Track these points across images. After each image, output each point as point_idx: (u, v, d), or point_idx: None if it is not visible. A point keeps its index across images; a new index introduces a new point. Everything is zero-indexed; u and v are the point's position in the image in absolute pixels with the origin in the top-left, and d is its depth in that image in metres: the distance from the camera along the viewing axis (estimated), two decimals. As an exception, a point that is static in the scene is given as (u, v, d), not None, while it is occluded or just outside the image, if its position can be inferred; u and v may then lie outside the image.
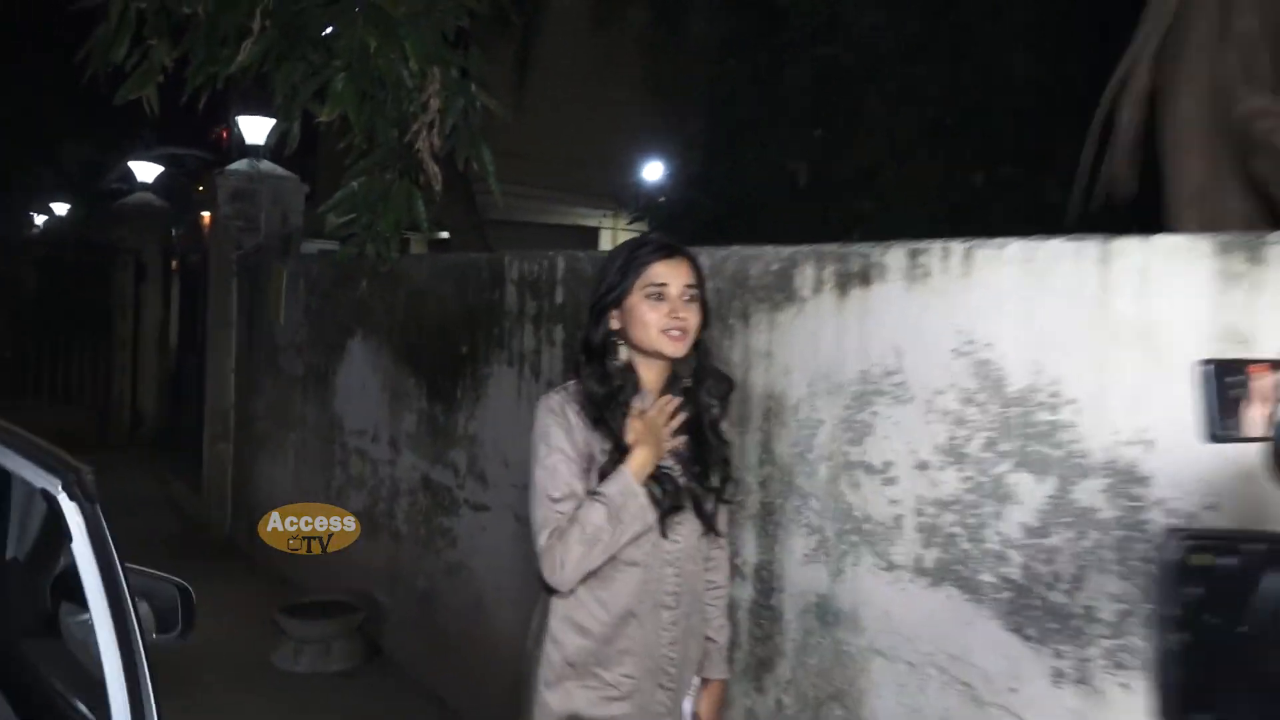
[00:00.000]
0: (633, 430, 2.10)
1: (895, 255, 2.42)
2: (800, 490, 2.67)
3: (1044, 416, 2.12)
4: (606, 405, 2.12)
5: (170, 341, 11.51)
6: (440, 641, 4.62)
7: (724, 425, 2.31)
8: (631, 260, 2.15)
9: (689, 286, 2.15)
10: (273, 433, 6.67)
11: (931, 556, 2.34)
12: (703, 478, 2.21)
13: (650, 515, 2.06)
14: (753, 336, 2.82)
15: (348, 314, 5.60)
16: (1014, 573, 2.18)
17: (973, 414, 2.24)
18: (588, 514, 2.01)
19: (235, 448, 7.46)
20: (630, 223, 8.39)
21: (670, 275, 2.13)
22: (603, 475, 2.09)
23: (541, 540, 2.03)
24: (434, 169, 3.54)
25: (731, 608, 2.67)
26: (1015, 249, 2.17)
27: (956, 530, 2.28)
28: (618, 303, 2.15)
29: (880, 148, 6.39)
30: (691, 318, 2.14)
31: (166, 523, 7.69)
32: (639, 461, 2.07)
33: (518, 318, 4.02)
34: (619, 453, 2.09)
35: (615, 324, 2.17)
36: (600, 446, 2.11)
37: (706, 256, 2.93)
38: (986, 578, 2.23)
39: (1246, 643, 0.82)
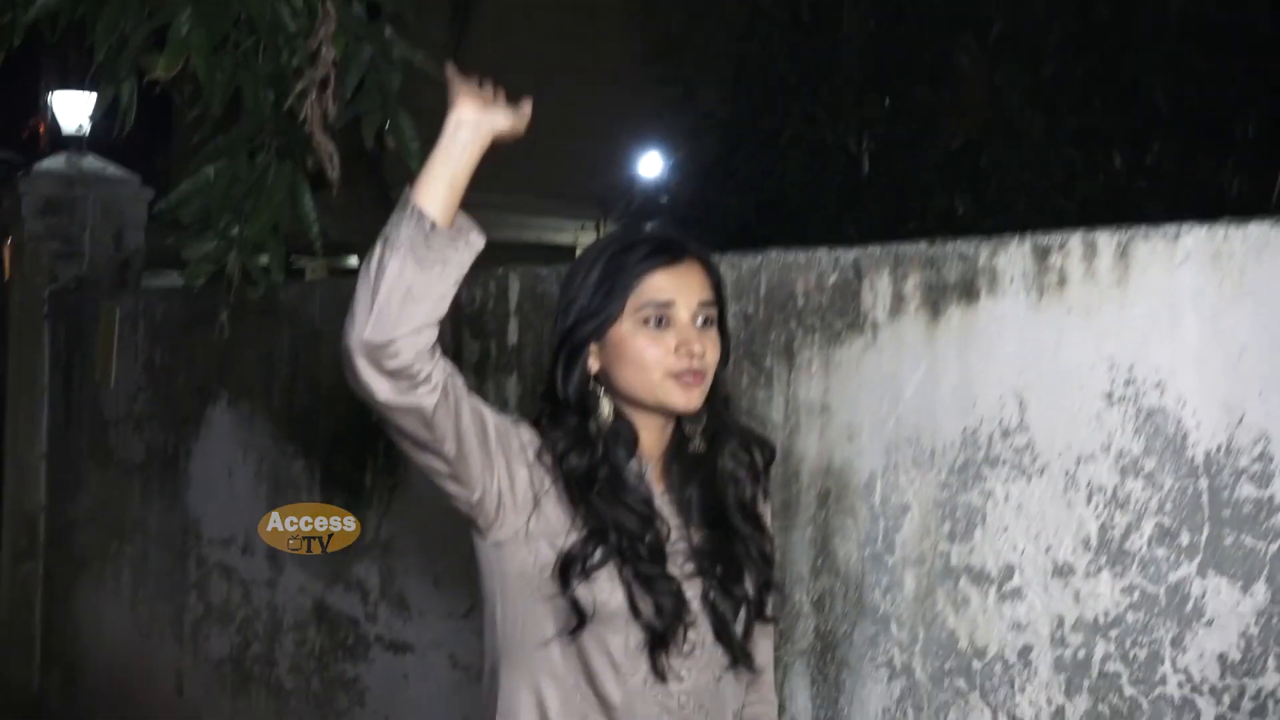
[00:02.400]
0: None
1: (1013, 256, 2.37)
2: (875, 611, 2.60)
3: (1248, 492, 2.05)
4: (586, 483, 2.01)
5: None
6: None
7: (763, 506, 2.21)
8: (618, 270, 2.04)
9: (705, 304, 2.06)
10: (100, 546, 6.60)
11: (1079, 709, 2.26)
12: (728, 582, 2.09)
13: (428, 236, 1.84)
14: (800, 383, 2.76)
15: (207, 371, 5.56)
16: (1207, 731, 2.10)
17: (1138, 490, 2.18)
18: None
19: (47, 569, 7.38)
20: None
21: (677, 288, 2.04)
22: (565, 566, 1.98)
23: None
24: (328, 147, 3.46)
25: (776, 792, 2.59)
26: (1196, 239, 2.11)
27: (1116, 668, 2.21)
28: (598, 334, 2.05)
29: (977, 121, 6.39)
30: (710, 351, 2.05)
31: (-53, 679, 7.56)
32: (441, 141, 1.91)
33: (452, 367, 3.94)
34: (595, 544, 1.99)
35: (595, 364, 2.07)
36: (563, 519, 2.00)
37: (729, 267, 2.91)
38: (1164, 740, 2.15)
39: None
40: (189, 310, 5.76)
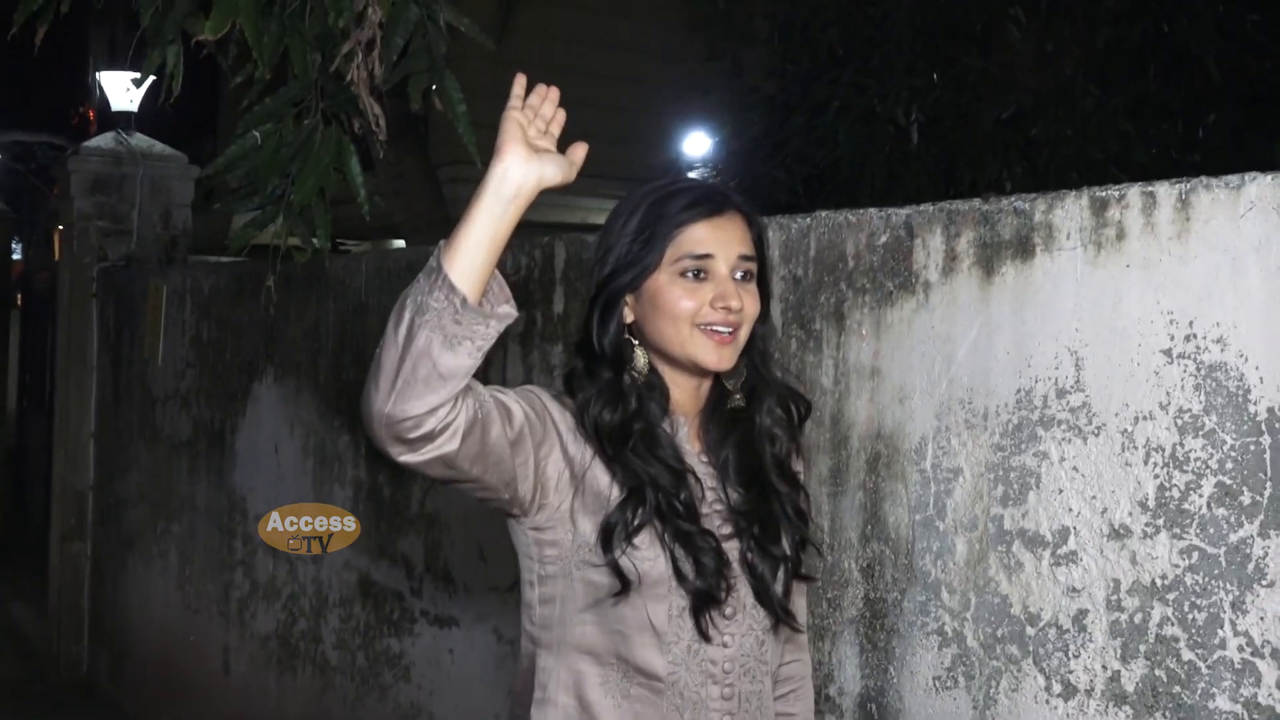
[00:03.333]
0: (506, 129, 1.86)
1: (1070, 210, 2.33)
2: (926, 578, 2.57)
3: (1312, 447, 2.01)
4: (622, 439, 1.98)
5: (9, 400, 11.55)
6: (388, 824, 4.49)
7: (796, 465, 2.18)
8: (658, 219, 2.01)
9: (744, 258, 2.03)
10: (148, 524, 6.65)
11: (1135, 674, 2.23)
12: (766, 541, 2.07)
13: (448, 294, 1.76)
14: (850, 346, 2.73)
15: (253, 346, 5.58)
16: (1269, 696, 2.06)
17: (1198, 448, 2.14)
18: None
19: (95, 548, 7.45)
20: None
21: (717, 241, 2.01)
22: (607, 533, 1.95)
23: None
24: (375, 109, 3.45)
25: (825, 760, 2.56)
26: (1261, 188, 2.06)
27: (1174, 631, 2.18)
28: (635, 284, 2.02)
29: (1028, 90, 6.34)
30: (749, 304, 2.02)
31: (0, 663, 7.75)
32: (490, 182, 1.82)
33: (498, 337, 3.92)
34: (634, 506, 1.96)
35: (630, 315, 2.04)
36: (604, 489, 1.98)
37: (778, 228, 2.89)
38: (1222, 703, 2.11)
39: None
40: (235, 285, 5.79)
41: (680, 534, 1.96)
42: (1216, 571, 2.11)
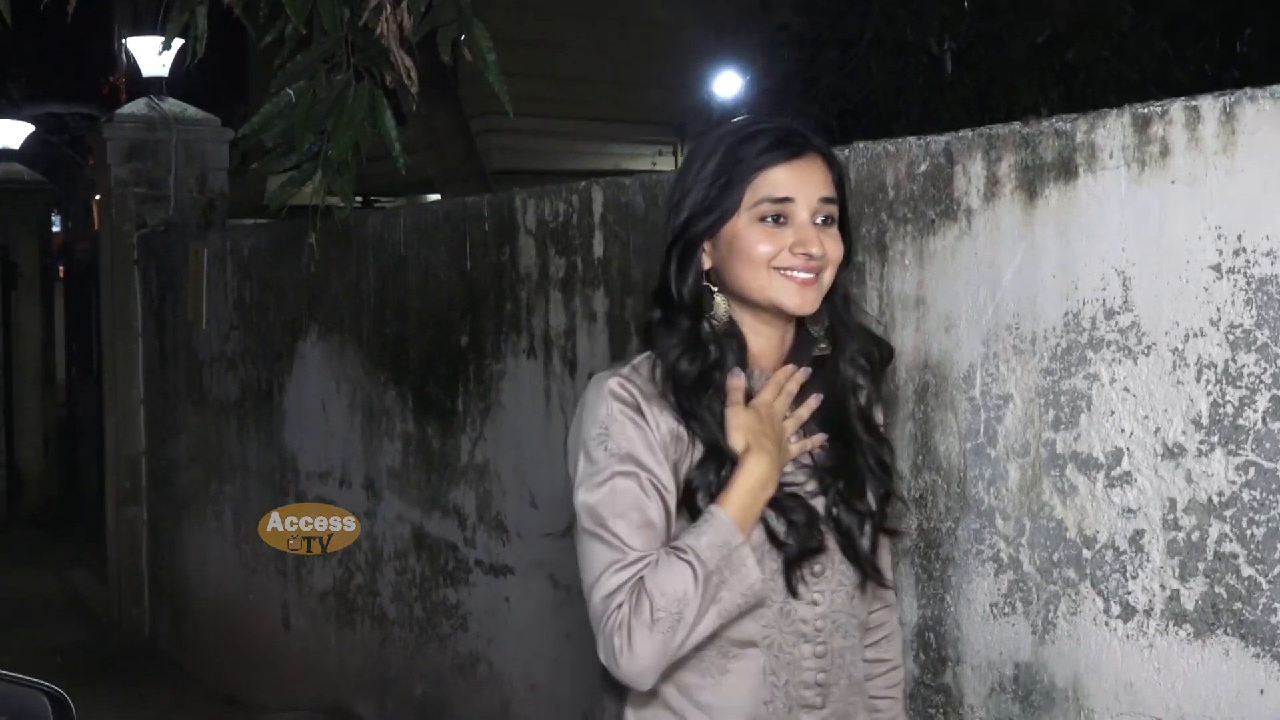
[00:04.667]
0: (736, 427, 1.91)
1: (1112, 129, 2.30)
2: (979, 505, 2.56)
3: (1368, 356, 1.98)
4: (700, 390, 1.94)
5: (57, 371, 11.64)
6: (453, 771, 4.54)
7: (879, 414, 2.16)
8: (736, 161, 1.94)
9: (825, 200, 1.95)
10: (201, 486, 6.69)
11: (1194, 592, 2.21)
12: (851, 497, 2.02)
13: (756, 580, 1.86)
14: (894, 277, 2.71)
15: (296, 305, 5.60)
16: (1332, 607, 2.04)
17: (1250, 363, 2.11)
18: (661, 580, 1.81)
19: (150, 511, 7.51)
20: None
21: (797, 185, 1.93)
22: (689, 494, 1.91)
23: (597, 608, 1.85)
24: (405, 61, 3.44)
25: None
26: (1307, 96, 2.04)
27: (1232, 548, 2.16)
28: (712, 231, 1.97)
29: (1062, 13, 6.27)
30: (831, 249, 1.95)
31: (64, 629, 7.84)
32: (746, 485, 1.88)
33: (539, 285, 3.95)
34: (716, 464, 1.92)
35: (708, 261, 1.99)
36: (689, 455, 1.94)
37: None
38: (1286, 619, 2.10)
39: None
40: (274, 245, 5.80)
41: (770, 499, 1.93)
42: (1274, 486, 2.09)
